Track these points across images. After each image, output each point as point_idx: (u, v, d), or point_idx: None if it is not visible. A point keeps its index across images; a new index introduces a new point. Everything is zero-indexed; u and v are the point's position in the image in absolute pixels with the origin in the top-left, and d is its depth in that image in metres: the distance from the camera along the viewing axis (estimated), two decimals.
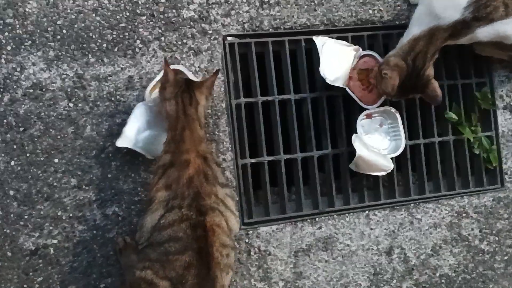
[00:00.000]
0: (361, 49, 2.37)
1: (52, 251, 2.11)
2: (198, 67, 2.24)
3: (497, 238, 2.56)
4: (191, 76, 2.13)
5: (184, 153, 1.92)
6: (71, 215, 2.12)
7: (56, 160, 2.11)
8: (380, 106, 2.37)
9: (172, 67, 2.09)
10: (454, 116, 2.51)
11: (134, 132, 2.09)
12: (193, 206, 1.85)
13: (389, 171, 2.38)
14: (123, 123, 2.14)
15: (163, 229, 1.84)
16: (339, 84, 2.30)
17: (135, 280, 1.84)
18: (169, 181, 1.89)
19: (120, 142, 2.09)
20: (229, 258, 1.88)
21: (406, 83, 2.16)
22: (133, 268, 1.90)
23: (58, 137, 2.12)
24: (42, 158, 2.10)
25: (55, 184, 2.11)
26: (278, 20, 2.34)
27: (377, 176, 2.39)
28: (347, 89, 2.32)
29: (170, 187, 1.88)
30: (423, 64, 2.15)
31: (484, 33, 2.17)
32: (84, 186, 2.13)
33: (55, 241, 2.12)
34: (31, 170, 2.09)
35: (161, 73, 2.08)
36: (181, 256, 1.80)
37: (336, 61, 2.32)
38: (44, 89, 2.11)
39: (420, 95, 2.27)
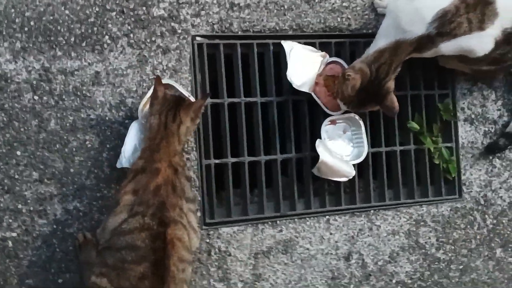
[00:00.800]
0: (328, 56, 2.49)
1: (10, 244, 2.18)
2: (166, 65, 2.34)
3: (453, 247, 2.72)
4: (183, 92, 2.22)
5: (156, 161, 2.00)
6: (31, 208, 2.19)
7: (18, 153, 2.19)
8: (345, 113, 2.50)
9: (164, 81, 2.18)
10: (416, 126, 2.66)
11: (131, 152, 2.18)
12: (156, 216, 1.91)
13: (350, 177, 2.51)
14: (87, 118, 2.23)
15: (123, 234, 1.91)
16: (305, 89, 2.42)
17: (90, 285, 1.91)
18: (138, 186, 1.97)
19: (120, 163, 2.17)
20: (185, 273, 1.94)
21: (366, 91, 2.28)
22: (92, 267, 1.97)
23: (22, 129, 2.19)
24: (4, 150, 2.17)
25: (16, 176, 2.18)
26: (247, 23, 2.45)
27: (339, 182, 2.51)
28: (313, 95, 2.45)
29: (137, 193, 1.96)
30: (385, 75, 2.28)
31: (448, 47, 2.32)
32: (46, 180, 2.21)
33: (14, 234, 2.18)
34: None
35: (150, 90, 2.16)
36: (136, 266, 1.86)
37: (303, 66, 2.43)
38: (9, 81, 2.17)
39: (378, 106, 2.38)
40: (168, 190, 1.97)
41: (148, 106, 2.16)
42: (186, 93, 2.23)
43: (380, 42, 2.32)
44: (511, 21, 2.33)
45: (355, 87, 2.25)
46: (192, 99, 2.23)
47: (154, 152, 2.03)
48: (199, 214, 2.32)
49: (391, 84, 2.32)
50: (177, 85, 2.23)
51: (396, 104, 2.32)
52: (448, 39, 2.28)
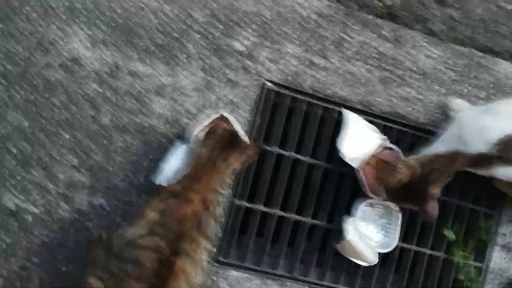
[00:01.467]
0: (388, 141, 2.49)
1: (30, 218, 2.22)
2: (230, 99, 2.38)
3: None
4: (238, 129, 2.23)
5: (193, 191, 2.01)
6: (60, 191, 2.24)
7: (66, 136, 2.24)
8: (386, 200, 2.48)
9: (224, 114, 2.21)
10: (452, 235, 2.61)
11: (173, 172, 2.20)
12: (172, 244, 1.92)
13: (372, 264, 2.48)
14: (141, 124, 2.28)
15: (136, 248, 1.92)
16: (354, 164, 2.42)
17: (86, 284, 1.92)
18: (166, 208, 1.98)
19: (158, 180, 2.21)
20: None
21: (411, 190, 2.27)
22: (95, 267, 1.99)
23: (77, 115, 2.25)
24: (54, 129, 2.23)
25: (57, 157, 2.24)
26: (321, 84, 2.48)
27: (359, 264, 2.48)
28: (360, 172, 2.44)
29: (164, 214, 1.97)
30: (435, 180, 2.27)
31: (504, 173, 2.29)
32: (82, 169, 2.26)
33: (36, 211, 2.23)
34: (40, 136, 2.22)
35: (210, 119, 2.20)
36: (135, 283, 1.87)
37: (359, 141, 2.44)
38: (81, 66, 2.25)
39: (416, 207, 2.35)
40: (193, 223, 1.98)
41: (201, 133, 2.17)
42: (242, 132, 2.25)
43: (440, 147, 2.31)
44: None
45: (401, 181, 2.24)
46: (246, 139, 2.24)
47: (194, 182, 2.04)
48: (214, 249, 2.31)
49: (437, 191, 2.29)
50: (235, 122, 2.25)
51: (436, 212, 2.28)
52: (507, 165, 2.24)
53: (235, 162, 2.11)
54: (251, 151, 2.15)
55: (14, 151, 2.19)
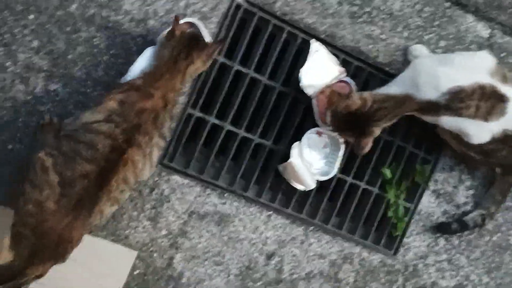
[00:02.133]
0: (345, 74, 2.55)
1: None
2: (199, 8, 2.38)
3: None
4: (204, 33, 2.27)
5: (153, 87, 2.07)
6: (17, 71, 2.23)
7: (30, 17, 2.22)
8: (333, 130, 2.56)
9: (187, 19, 2.25)
10: (388, 173, 2.73)
11: (137, 73, 2.19)
12: (126, 132, 1.99)
13: (308, 189, 2.58)
14: (107, 18, 2.27)
15: (90, 131, 1.98)
16: (309, 91, 2.48)
17: (35, 159, 1.97)
18: (126, 99, 2.03)
19: (124, 80, 2.20)
20: (121, 194, 2.03)
21: (353, 120, 2.36)
22: (43, 146, 2.03)
23: None
24: (20, 8, 2.21)
25: (18, 36, 2.22)
26: (289, 8, 2.50)
27: (296, 188, 2.58)
28: (313, 101, 2.51)
29: (123, 105, 2.02)
30: (379, 118, 2.36)
31: (448, 122, 2.40)
32: (42, 53, 2.25)
33: None
34: (4, 13, 2.19)
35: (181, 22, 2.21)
36: (86, 164, 1.93)
37: (319, 71, 2.49)
38: None
39: (352, 139, 2.45)
40: (150, 117, 2.04)
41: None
42: (208, 37, 2.28)
43: (393, 88, 2.39)
44: None
45: (349, 108, 2.31)
46: (201, 25, 2.31)
47: (155, 79, 2.09)
48: (160, 152, 2.36)
49: (378, 130, 2.40)
50: (202, 26, 2.28)
51: (367, 149, 2.41)
52: (452, 115, 2.35)
53: (197, 61, 2.16)
54: (212, 48, 2.19)
55: None
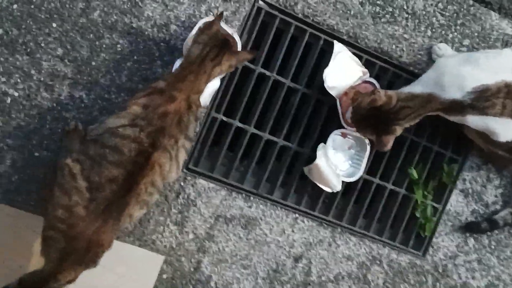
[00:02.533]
0: (368, 74, 2.53)
1: (9, 100, 2.24)
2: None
3: None
4: (237, 40, 2.25)
5: (177, 90, 2.05)
6: (42, 79, 2.25)
7: (54, 25, 2.24)
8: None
9: (224, 26, 2.23)
10: (415, 174, 2.70)
11: None
12: (151, 136, 1.98)
13: (335, 191, 2.56)
14: (129, 25, 2.28)
15: (116, 136, 1.98)
16: (333, 93, 2.47)
17: (63, 165, 1.98)
18: (149, 103, 2.02)
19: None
20: (150, 197, 2.03)
21: (376, 118, 2.33)
22: (70, 152, 2.05)
23: (67, 5, 2.24)
24: (43, 16, 2.23)
25: (42, 45, 2.24)
26: (311, 10, 2.49)
27: (322, 190, 2.56)
28: (337, 102, 2.49)
29: (147, 108, 2.02)
30: (403, 118, 2.33)
31: (474, 121, 2.37)
32: (66, 60, 2.27)
33: (16, 94, 2.24)
34: (28, 21, 2.21)
35: (199, 24, 2.21)
36: (113, 168, 1.94)
37: (342, 72, 2.47)
38: None
39: (373, 136, 2.42)
40: (174, 120, 2.03)
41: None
42: (239, 43, 2.28)
43: (417, 87, 2.36)
44: None
45: (374, 103, 2.29)
46: (239, 44, 2.28)
47: (179, 81, 2.09)
48: (187, 154, 2.36)
49: (399, 129, 2.38)
50: (235, 34, 2.27)
51: (390, 145, 2.38)
52: (478, 113, 2.32)
53: (225, 63, 2.14)
54: (243, 55, 2.19)
55: (0, 31, 2.18)
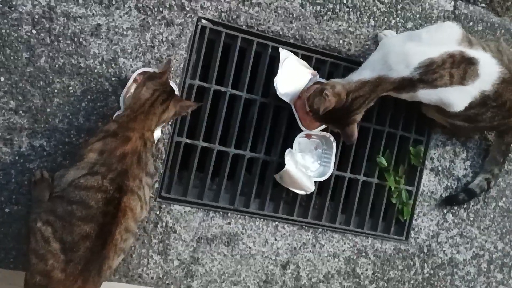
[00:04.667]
0: (318, 76, 2.54)
1: None
2: (166, 38, 2.37)
3: (386, 285, 2.78)
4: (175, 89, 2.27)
5: (129, 130, 2.04)
6: None
7: (2, 78, 2.21)
8: (321, 130, 2.55)
9: (145, 69, 2.28)
10: (384, 162, 2.72)
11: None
12: (115, 182, 1.94)
13: (309, 192, 2.56)
14: (78, 65, 2.26)
15: (79, 188, 1.93)
16: (286, 99, 2.47)
17: (34, 229, 1.93)
18: (105, 148, 1.99)
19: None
20: (126, 243, 1.99)
21: (334, 114, 2.34)
22: (41, 209, 2.00)
23: (11, 57, 2.21)
24: None
25: None
26: (254, 20, 2.50)
27: (297, 194, 2.56)
28: (292, 107, 2.50)
29: (103, 154, 1.98)
30: (358, 107, 2.35)
31: (425, 95, 2.40)
32: (20, 112, 2.23)
33: None
34: None
35: (132, 78, 2.26)
36: (83, 224, 1.89)
37: (292, 77, 2.48)
38: (12, 8, 2.19)
39: (338, 130, 2.45)
40: (133, 160, 2.00)
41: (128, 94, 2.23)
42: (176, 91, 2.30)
43: (365, 73, 2.38)
44: (490, 85, 2.40)
45: (327, 109, 2.30)
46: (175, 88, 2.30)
47: (130, 121, 2.07)
48: (157, 185, 2.36)
49: (358, 117, 2.40)
50: (173, 84, 2.29)
51: (355, 134, 2.40)
52: (428, 87, 2.35)
53: (171, 110, 2.15)
54: (187, 104, 2.21)
55: None
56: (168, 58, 2.32)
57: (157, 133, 2.27)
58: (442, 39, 2.39)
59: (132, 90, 2.23)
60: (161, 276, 2.43)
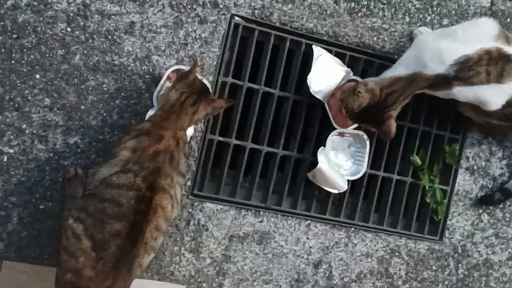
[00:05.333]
0: (352, 73, 2.52)
1: (5, 159, 2.23)
2: (199, 35, 2.37)
3: (419, 285, 2.75)
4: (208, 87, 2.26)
5: (163, 129, 2.05)
6: (34, 131, 2.24)
7: (37, 76, 2.23)
8: (355, 129, 2.53)
9: (178, 67, 2.28)
10: (418, 160, 2.69)
11: None
12: (147, 180, 1.95)
13: (342, 191, 2.55)
14: (112, 63, 2.27)
15: (111, 186, 1.94)
16: (320, 96, 2.45)
17: (66, 226, 1.95)
18: (138, 146, 2.00)
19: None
20: (156, 242, 1.99)
21: (369, 112, 2.31)
22: (74, 206, 2.01)
23: (47, 55, 2.23)
24: (25, 70, 2.22)
25: (29, 98, 2.23)
26: (287, 17, 2.48)
27: (329, 192, 2.55)
28: (326, 105, 2.48)
29: (136, 152, 1.99)
30: (393, 103, 2.31)
31: (461, 92, 2.35)
32: (55, 109, 2.25)
33: (11, 151, 2.23)
34: (11, 77, 2.20)
35: (167, 73, 2.26)
36: (114, 222, 1.90)
37: (325, 75, 2.46)
38: (48, 6, 2.21)
39: (375, 128, 2.41)
40: (166, 158, 2.01)
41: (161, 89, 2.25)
42: (208, 84, 2.29)
43: (399, 70, 2.35)
44: None
45: (361, 106, 2.28)
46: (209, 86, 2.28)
47: (163, 120, 2.08)
48: (189, 183, 2.36)
49: (394, 113, 2.35)
50: (205, 80, 2.30)
51: (393, 130, 2.34)
52: (464, 84, 2.31)
53: (202, 111, 2.15)
54: (219, 104, 2.20)
55: None
56: (194, 57, 2.31)
57: (190, 131, 2.26)
58: (478, 35, 2.35)
59: (165, 88, 2.22)
60: (193, 274, 2.44)
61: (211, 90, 2.27)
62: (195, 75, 2.13)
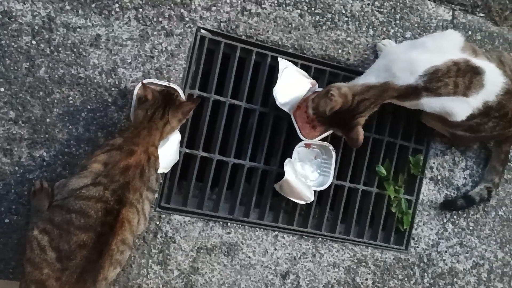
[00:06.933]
0: (317, 85, 2.54)
1: None
2: (165, 48, 2.38)
3: None
4: (162, 83, 2.29)
5: (134, 144, 2.06)
6: None
7: (1, 89, 2.21)
8: (321, 140, 2.55)
9: (157, 81, 2.29)
10: (383, 171, 2.72)
11: None
12: (116, 193, 1.96)
13: (308, 202, 2.56)
14: (77, 75, 2.27)
15: (80, 198, 1.94)
16: (286, 109, 2.47)
17: (31, 238, 1.94)
18: (109, 160, 2.01)
19: None
20: (122, 256, 1.99)
21: (339, 117, 2.34)
22: (40, 218, 2.01)
23: (11, 68, 2.22)
24: None
25: None
26: (253, 30, 2.51)
27: (296, 203, 2.56)
28: (292, 117, 2.50)
29: (107, 165, 2.00)
30: (363, 110, 2.35)
31: (429, 103, 2.40)
32: (20, 122, 2.24)
33: None
34: None
35: (136, 90, 2.26)
36: (80, 233, 1.90)
37: (291, 87, 2.48)
38: (12, 19, 2.21)
39: (343, 134, 2.44)
40: (136, 173, 2.02)
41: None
42: (180, 91, 2.29)
43: (371, 78, 2.38)
44: (494, 95, 2.40)
45: (333, 109, 2.30)
46: (178, 89, 2.28)
47: (134, 137, 2.09)
48: (156, 195, 2.36)
49: (362, 120, 2.39)
50: (156, 81, 2.31)
51: (361, 137, 2.38)
52: (432, 95, 2.36)
53: (173, 120, 2.17)
54: (187, 106, 2.20)
55: None
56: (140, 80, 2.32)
57: (178, 136, 2.30)
58: (446, 46, 2.40)
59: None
60: (160, 286, 2.43)
61: (180, 91, 2.28)
62: (151, 93, 2.14)
